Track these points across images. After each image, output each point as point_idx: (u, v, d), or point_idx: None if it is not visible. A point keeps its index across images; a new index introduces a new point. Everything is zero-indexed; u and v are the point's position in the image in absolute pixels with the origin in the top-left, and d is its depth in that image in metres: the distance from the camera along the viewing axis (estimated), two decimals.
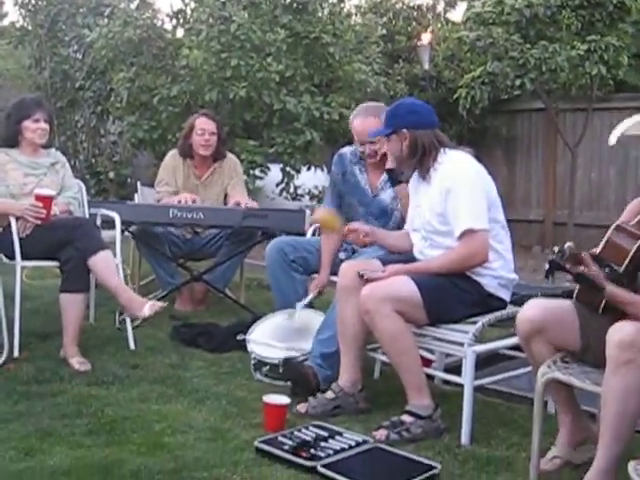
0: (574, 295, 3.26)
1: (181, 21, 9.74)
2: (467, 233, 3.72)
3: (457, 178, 3.77)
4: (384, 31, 11.45)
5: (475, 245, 3.75)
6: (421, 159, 3.88)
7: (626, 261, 3.09)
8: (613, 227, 3.20)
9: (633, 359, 2.80)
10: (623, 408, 2.83)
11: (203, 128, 5.98)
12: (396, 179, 4.44)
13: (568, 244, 3.07)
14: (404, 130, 3.87)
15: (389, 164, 4.39)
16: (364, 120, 4.56)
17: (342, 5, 10.10)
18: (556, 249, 3.00)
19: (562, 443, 3.39)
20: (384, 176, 4.59)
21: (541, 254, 9.90)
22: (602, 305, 3.12)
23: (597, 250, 3.12)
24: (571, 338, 3.22)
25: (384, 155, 4.45)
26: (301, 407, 3.90)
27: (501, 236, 3.89)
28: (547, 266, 2.99)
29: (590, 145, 10.09)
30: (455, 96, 9.97)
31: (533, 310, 3.26)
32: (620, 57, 9.01)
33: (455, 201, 3.75)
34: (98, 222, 5.22)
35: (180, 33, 9.90)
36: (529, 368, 3.90)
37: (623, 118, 9.67)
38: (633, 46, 9.51)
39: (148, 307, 4.56)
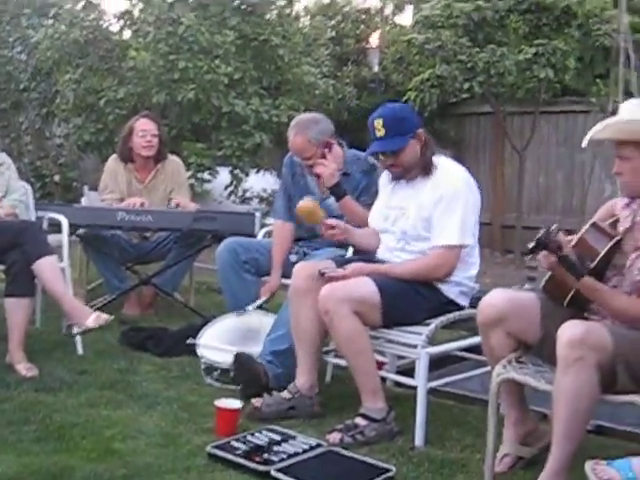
0: (541, 285, 3.26)
1: (128, 22, 9.62)
2: (448, 247, 3.73)
3: (456, 190, 3.75)
4: (333, 33, 11.46)
5: (448, 260, 3.76)
6: (431, 157, 3.85)
7: (596, 260, 3.11)
8: (589, 224, 3.22)
9: (583, 357, 2.81)
10: (575, 407, 2.84)
11: (144, 129, 5.89)
12: (338, 194, 4.39)
13: (554, 226, 3.07)
14: (419, 130, 3.85)
15: (326, 183, 4.36)
16: (293, 138, 4.50)
17: (291, 8, 10.06)
18: (544, 229, 3.00)
19: (510, 439, 3.41)
20: None
21: (490, 257, 9.97)
22: (569, 297, 3.13)
23: (572, 243, 3.13)
24: (531, 329, 3.22)
25: (318, 176, 4.42)
26: (256, 401, 3.85)
27: (473, 250, 3.90)
28: (533, 244, 2.98)
29: (537, 149, 10.17)
30: (404, 99, 9.99)
31: (497, 298, 3.25)
32: (567, 61, 9.10)
33: (446, 211, 3.73)
34: (45, 225, 5.12)
35: (127, 35, 9.79)
36: (480, 370, 3.94)
37: (569, 121, 9.90)
38: (576, 51, 9.63)
39: (93, 319, 4.48)
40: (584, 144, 3.16)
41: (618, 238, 3.19)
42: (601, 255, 3.12)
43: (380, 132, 3.81)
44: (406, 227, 3.86)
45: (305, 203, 4.17)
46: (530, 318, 3.22)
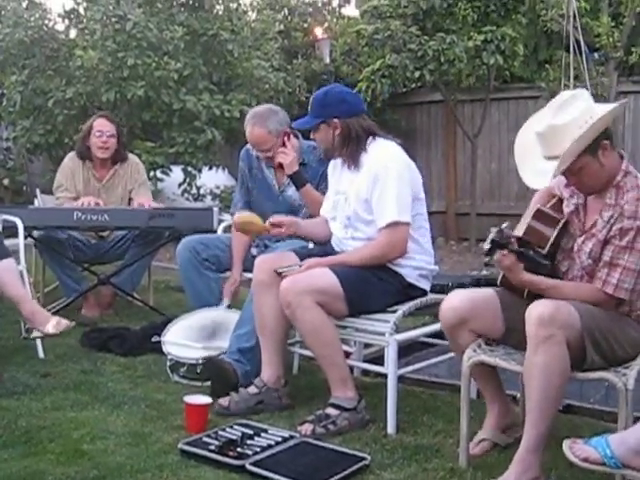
0: (498, 280, 3.28)
1: (74, 21, 9.50)
2: (391, 225, 3.71)
3: (387, 168, 3.75)
4: (281, 27, 11.41)
5: (396, 238, 3.74)
6: (354, 147, 3.84)
7: (547, 246, 3.13)
8: (534, 212, 3.23)
9: (553, 335, 2.84)
10: (546, 385, 2.86)
11: (101, 130, 5.83)
12: (299, 183, 4.39)
13: (505, 224, 3.10)
14: (335, 120, 3.83)
15: (288, 170, 4.37)
16: (251, 130, 4.48)
17: (237, 2, 9.99)
18: (495, 229, 3.01)
19: (490, 426, 3.42)
20: None
21: (445, 245, 10.02)
22: (527, 289, 3.15)
23: (519, 234, 3.14)
24: (494, 325, 3.25)
25: (280, 165, 4.41)
26: (223, 401, 3.82)
27: (423, 229, 3.90)
28: (488, 246, 3.00)
29: (489, 135, 10.24)
30: (355, 90, 9.97)
31: (456, 300, 3.28)
32: (516, 47, 9.17)
33: (382, 191, 3.73)
34: None
35: (73, 33, 9.66)
36: (447, 355, 3.95)
37: (520, 107, 9.97)
38: (524, 37, 9.70)
39: (53, 325, 4.42)
40: (544, 184, 3.17)
41: (564, 221, 3.21)
42: (551, 241, 3.15)
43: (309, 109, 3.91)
44: (349, 212, 3.86)
45: (240, 216, 4.16)
46: (492, 315, 3.25)
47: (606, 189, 3.08)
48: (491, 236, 3.00)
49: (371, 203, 3.77)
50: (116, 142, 5.88)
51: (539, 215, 3.24)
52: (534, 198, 3.44)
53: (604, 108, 3.05)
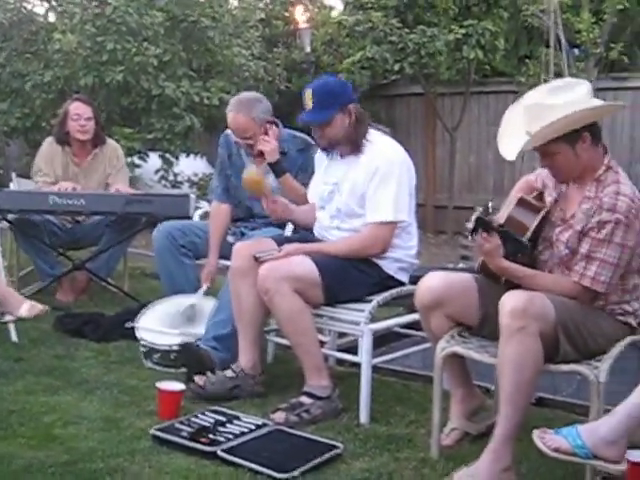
0: (476, 266, 3.28)
1: (53, 4, 9.41)
2: (381, 223, 3.72)
3: (390, 165, 3.75)
4: (262, 15, 11.36)
5: (381, 236, 3.75)
6: (363, 132, 3.82)
7: (529, 233, 3.14)
8: (517, 200, 3.24)
9: (526, 326, 2.84)
10: (519, 377, 2.86)
11: (78, 113, 5.79)
12: (279, 171, 4.38)
13: (490, 202, 3.10)
14: (349, 105, 3.82)
15: (269, 158, 4.34)
16: (235, 117, 4.44)
17: None
18: (480, 208, 3.01)
19: (457, 415, 3.43)
20: None
21: (423, 237, 9.99)
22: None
23: (501, 221, 3.15)
24: (470, 311, 3.24)
25: (261, 153, 4.38)
26: (199, 379, 3.81)
27: (411, 227, 3.90)
28: (472, 224, 3.00)
29: (468, 129, 10.26)
30: None
31: (433, 281, 3.27)
32: (496, 41, 9.19)
33: (380, 188, 3.72)
34: None
35: (52, 17, 9.57)
36: (421, 346, 3.96)
37: (499, 101, 9.99)
38: (504, 32, 9.71)
39: (26, 309, 4.40)
40: (512, 158, 3.18)
41: (546, 210, 3.22)
42: (532, 229, 3.16)
43: (309, 104, 3.81)
44: (340, 204, 3.85)
45: (252, 174, 4.11)
46: (468, 300, 3.25)
47: (585, 182, 3.10)
48: (476, 214, 3.00)
49: (365, 197, 3.76)
50: (94, 125, 5.85)
51: (521, 203, 3.24)
52: (514, 190, 3.46)
53: (596, 103, 3.08)
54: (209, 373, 3.86)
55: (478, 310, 3.23)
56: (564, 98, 3.02)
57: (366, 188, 3.75)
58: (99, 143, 5.93)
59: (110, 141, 6.11)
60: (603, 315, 3.09)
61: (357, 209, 3.80)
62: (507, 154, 3.19)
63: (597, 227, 3.01)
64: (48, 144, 5.96)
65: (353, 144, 3.84)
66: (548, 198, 3.28)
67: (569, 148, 3.03)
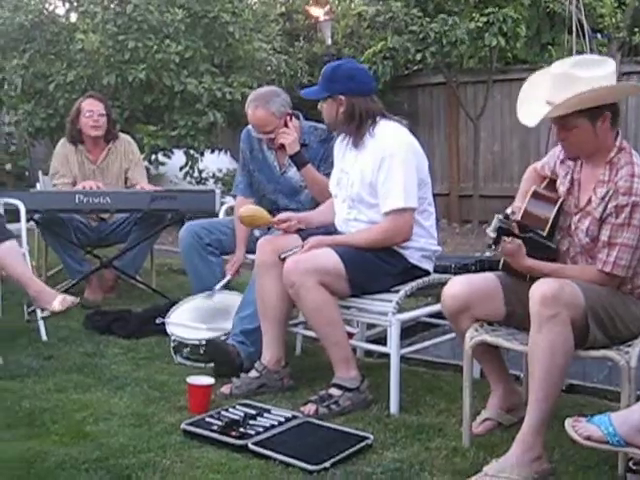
0: (500, 264, 3.25)
1: (74, 4, 9.43)
2: (396, 211, 3.70)
3: (393, 152, 3.72)
4: (283, 9, 11.35)
5: (401, 224, 3.73)
6: (357, 126, 3.82)
7: (547, 227, 3.12)
8: (531, 193, 3.22)
9: (557, 314, 2.83)
10: (550, 364, 2.84)
11: (91, 110, 5.83)
12: (300, 163, 4.38)
13: (509, 210, 3.09)
14: (340, 96, 3.82)
15: (290, 150, 4.36)
16: (254, 112, 4.44)
17: None
18: (500, 216, 2.99)
19: (493, 406, 3.41)
20: None
21: (448, 227, 10.00)
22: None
23: (518, 217, 3.13)
24: (496, 310, 3.24)
25: (282, 145, 4.40)
26: (225, 389, 3.83)
27: (428, 213, 3.89)
28: (494, 234, 2.97)
29: (492, 117, 10.20)
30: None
31: (456, 288, 3.28)
32: (518, 28, 9.13)
33: (388, 176, 3.71)
34: (1, 211, 5.01)
35: (74, 17, 9.60)
36: (449, 335, 3.95)
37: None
38: (526, 19, 9.64)
39: (59, 302, 4.43)
40: (532, 124, 3.14)
41: (561, 200, 3.20)
42: (550, 222, 3.14)
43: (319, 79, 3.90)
44: (352, 193, 3.85)
45: (246, 209, 4.17)
46: (492, 299, 3.24)
47: (598, 165, 3.08)
48: (497, 223, 2.97)
49: (376, 187, 3.75)
50: (107, 121, 5.89)
51: (535, 196, 3.22)
52: (523, 180, 3.44)
53: (623, 84, 3.05)
54: (234, 379, 3.86)
55: (504, 307, 3.23)
56: (592, 72, 3.00)
57: (374, 177, 3.75)
58: (112, 139, 5.97)
59: (123, 135, 6.14)
60: (632, 299, 3.07)
61: (369, 198, 3.79)
62: (527, 120, 3.16)
63: (615, 212, 2.99)
64: (61, 145, 6.00)
65: (350, 135, 3.86)
66: (561, 188, 3.25)
67: (589, 124, 3.01)
